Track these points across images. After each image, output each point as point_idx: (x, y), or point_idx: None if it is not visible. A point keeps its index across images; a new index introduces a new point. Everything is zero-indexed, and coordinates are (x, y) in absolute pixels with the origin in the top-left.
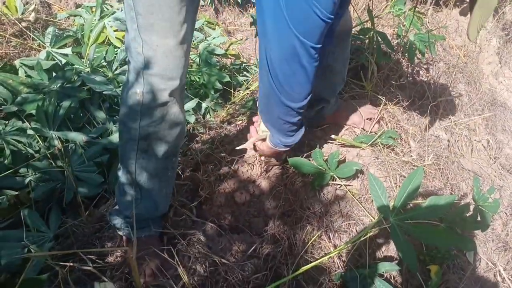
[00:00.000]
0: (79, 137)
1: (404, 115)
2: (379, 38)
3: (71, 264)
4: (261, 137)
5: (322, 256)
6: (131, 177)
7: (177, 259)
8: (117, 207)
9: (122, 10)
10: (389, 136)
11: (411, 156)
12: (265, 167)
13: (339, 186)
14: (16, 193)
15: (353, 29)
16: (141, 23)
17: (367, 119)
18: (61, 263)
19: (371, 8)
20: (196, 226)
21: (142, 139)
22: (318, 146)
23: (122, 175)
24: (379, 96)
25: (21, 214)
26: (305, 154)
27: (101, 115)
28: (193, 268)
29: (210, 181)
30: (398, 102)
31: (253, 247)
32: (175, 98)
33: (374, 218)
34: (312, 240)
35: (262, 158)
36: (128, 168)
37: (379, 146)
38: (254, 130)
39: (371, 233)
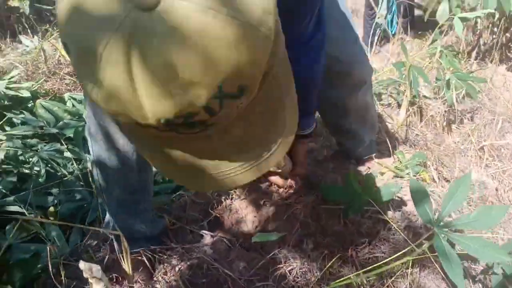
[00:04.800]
0: None
1: (446, 158)
2: (415, 72)
3: None
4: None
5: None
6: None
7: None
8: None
9: None
10: (417, 163)
11: None
12: (286, 192)
13: (368, 211)
14: (45, 210)
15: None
16: None
17: None
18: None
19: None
20: (205, 240)
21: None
22: (351, 168)
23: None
24: (415, 132)
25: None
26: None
27: None
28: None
29: (221, 200)
30: (437, 142)
31: (261, 263)
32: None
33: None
34: (328, 265)
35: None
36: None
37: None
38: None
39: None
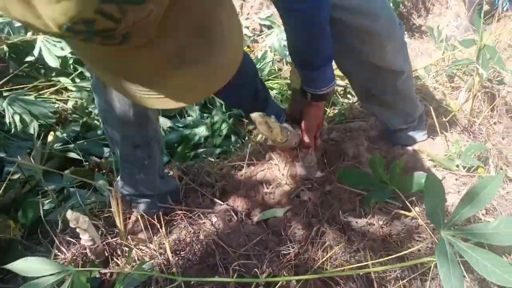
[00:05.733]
0: (165, 122)
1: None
2: (487, 52)
3: None
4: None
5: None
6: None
7: (164, 231)
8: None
9: None
10: (472, 153)
11: None
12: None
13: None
14: (99, 160)
15: None
16: None
17: None
18: None
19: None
20: (212, 207)
21: (103, 122)
22: (378, 151)
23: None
24: (477, 124)
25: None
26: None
27: (191, 109)
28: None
29: (236, 173)
30: (505, 135)
31: (259, 239)
32: None
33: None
34: (328, 256)
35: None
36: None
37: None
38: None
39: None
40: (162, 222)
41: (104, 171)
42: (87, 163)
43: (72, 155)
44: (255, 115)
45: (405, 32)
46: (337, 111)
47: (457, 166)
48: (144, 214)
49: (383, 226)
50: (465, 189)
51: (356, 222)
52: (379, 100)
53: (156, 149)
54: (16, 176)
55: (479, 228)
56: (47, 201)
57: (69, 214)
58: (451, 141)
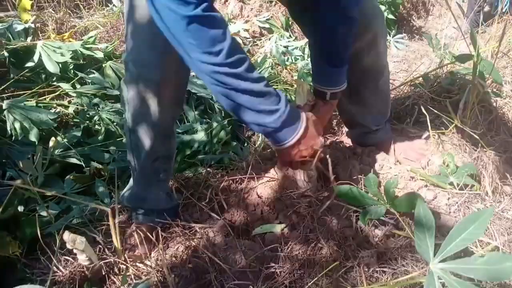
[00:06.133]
0: None
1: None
2: (484, 65)
3: None
4: None
5: None
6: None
7: (161, 246)
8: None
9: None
10: (466, 171)
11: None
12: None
13: (387, 223)
14: (100, 166)
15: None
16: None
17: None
18: None
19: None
20: (209, 222)
21: (129, 131)
22: (372, 171)
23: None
24: (475, 136)
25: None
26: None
27: (191, 114)
28: (182, 258)
29: (235, 185)
30: (504, 149)
31: (256, 255)
32: (152, 91)
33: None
34: (324, 272)
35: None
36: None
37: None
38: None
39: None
40: (160, 238)
41: (104, 177)
42: (88, 168)
43: (73, 160)
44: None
45: (405, 34)
46: None
47: (451, 183)
48: (143, 229)
49: (378, 243)
50: (457, 209)
51: (353, 239)
52: (362, 100)
53: (172, 164)
54: (18, 181)
55: (468, 262)
56: (45, 217)
57: (66, 236)
58: (446, 155)
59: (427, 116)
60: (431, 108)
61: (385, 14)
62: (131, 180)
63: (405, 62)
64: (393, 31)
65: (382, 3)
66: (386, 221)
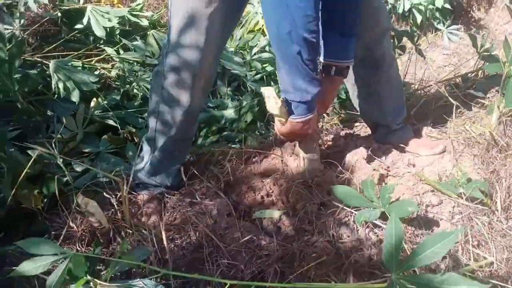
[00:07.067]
0: None
1: None
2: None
3: None
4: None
5: None
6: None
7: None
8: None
9: None
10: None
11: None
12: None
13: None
14: (133, 130)
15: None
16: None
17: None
18: None
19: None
20: (214, 199)
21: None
22: (372, 175)
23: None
24: (494, 150)
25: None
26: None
27: (223, 90)
28: (183, 229)
29: (243, 168)
30: None
31: (250, 237)
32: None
33: None
34: (310, 265)
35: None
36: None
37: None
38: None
39: None
40: (162, 209)
41: (136, 141)
42: (123, 131)
43: (110, 122)
44: (264, 89)
45: (461, 25)
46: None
47: (460, 194)
48: (150, 200)
49: (371, 246)
50: (460, 218)
51: (348, 236)
52: (377, 96)
53: (189, 146)
54: (58, 136)
55: (427, 279)
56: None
57: (80, 199)
58: (461, 164)
59: (453, 121)
60: (459, 113)
61: (441, 2)
62: (145, 156)
63: (455, 55)
64: (448, 21)
65: None
66: (379, 225)
